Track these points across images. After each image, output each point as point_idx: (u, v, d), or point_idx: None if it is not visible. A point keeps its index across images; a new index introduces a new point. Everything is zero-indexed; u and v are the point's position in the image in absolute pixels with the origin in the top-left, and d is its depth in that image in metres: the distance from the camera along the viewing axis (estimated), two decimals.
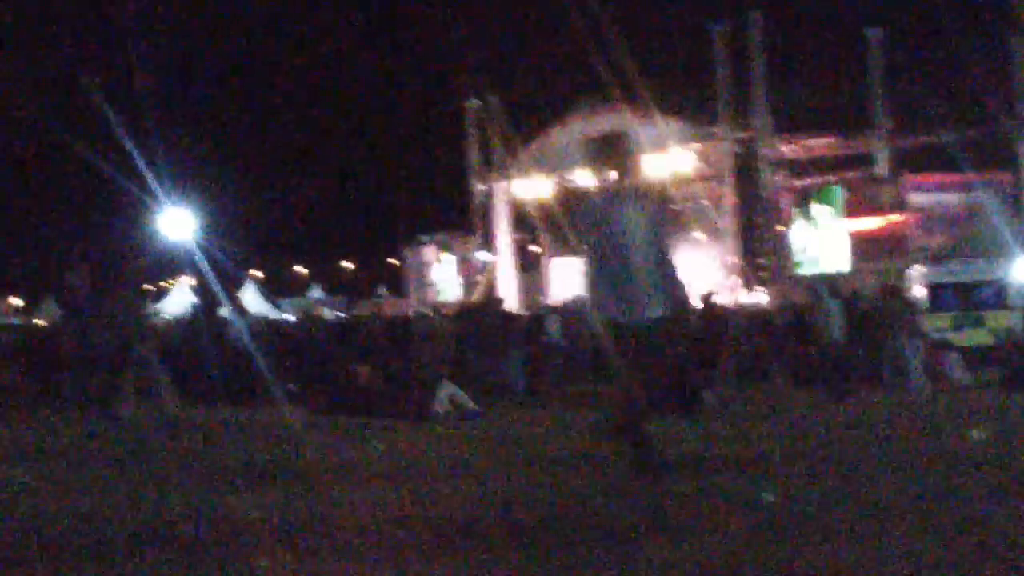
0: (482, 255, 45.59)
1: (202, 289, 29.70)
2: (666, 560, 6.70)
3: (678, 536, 7.42)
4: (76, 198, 63.49)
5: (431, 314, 27.95)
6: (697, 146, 38.32)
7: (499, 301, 28.13)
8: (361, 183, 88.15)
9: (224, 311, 24.26)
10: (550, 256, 44.44)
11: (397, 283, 56.73)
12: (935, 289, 28.41)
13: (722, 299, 30.46)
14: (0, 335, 25.11)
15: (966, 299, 28.45)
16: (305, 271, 72.17)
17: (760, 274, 36.84)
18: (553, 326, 25.43)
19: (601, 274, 8.88)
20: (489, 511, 8.53)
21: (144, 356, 19.52)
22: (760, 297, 35.00)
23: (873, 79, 37.77)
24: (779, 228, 37.62)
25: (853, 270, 35.00)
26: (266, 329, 26.51)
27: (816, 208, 37.83)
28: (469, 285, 46.16)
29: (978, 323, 27.68)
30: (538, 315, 27.09)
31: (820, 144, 39.11)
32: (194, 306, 25.34)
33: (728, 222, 37.44)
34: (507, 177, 44.16)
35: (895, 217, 36.68)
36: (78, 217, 61.34)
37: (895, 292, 23.80)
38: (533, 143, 43.34)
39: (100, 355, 17.86)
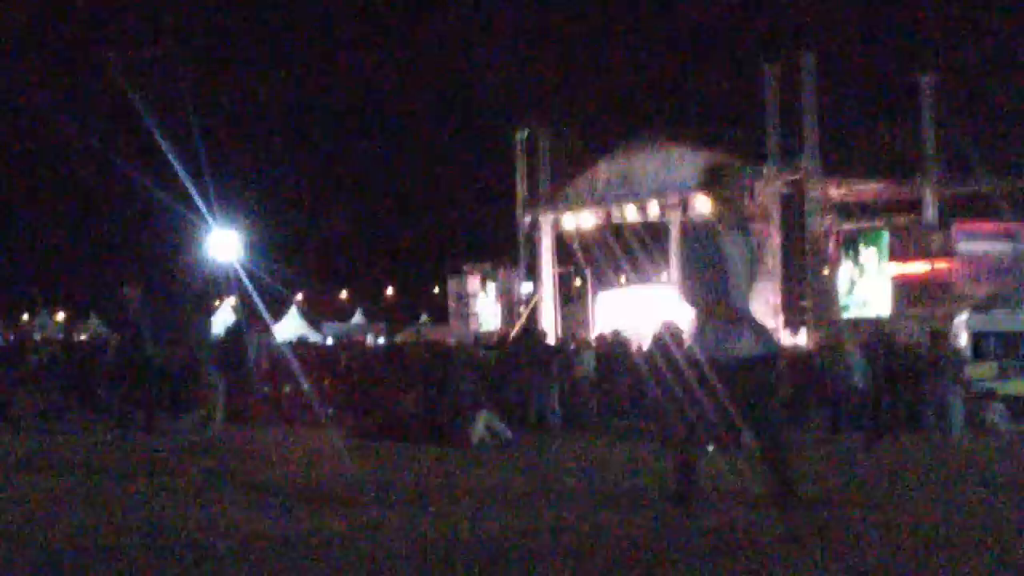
0: (525, 286, 45.59)
1: (245, 310, 29.88)
2: None
3: (706, 566, 7.43)
4: (124, 218, 64.01)
5: (472, 343, 27.97)
6: (744, 184, 38.22)
7: (540, 333, 28.17)
8: (407, 211, 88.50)
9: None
10: (593, 290, 44.39)
11: (439, 311, 56.85)
12: (979, 337, 28.22)
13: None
14: (43, 350, 25.29)
15: (1011, 348, 28.27)
16: (348, 296, 72.44)
17: (803, 316, 36.68)
18: (587, 360, 25.42)
19: (702, 309, 8.69)
20: (521, 540, 8.56)
21: (208, 375, 19.79)
22: (802, 338, 34.87)
23: (924, 125, 37.64)
24: (824, 271, 37.47)
25: (897, 315, 34.81)
26: (306, 352, 26.61)
27: (863, 252, 37.68)
28: (511, 316, 46.14)
29: (1022, 373, 27.48)
30: (573, 348, 27.03)
31: (869, 188, 38.99)
32: (235, 327, 25.45)
33: (773, 262, 37.30)
34: (553, 209, 44.17)
35: (941, 264, 36.52)
36: (126, 236, 61.82)
37: (942, 338, 23.67)
38: (580, 176, 43.37)
39: (151, 369, 18.01)
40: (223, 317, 44.94)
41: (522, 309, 45.08)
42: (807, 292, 37.24)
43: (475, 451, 16.92)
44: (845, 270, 37.84)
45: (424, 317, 59.20)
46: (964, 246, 36.67)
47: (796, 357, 26.68)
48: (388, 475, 13.15)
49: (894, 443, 19.07)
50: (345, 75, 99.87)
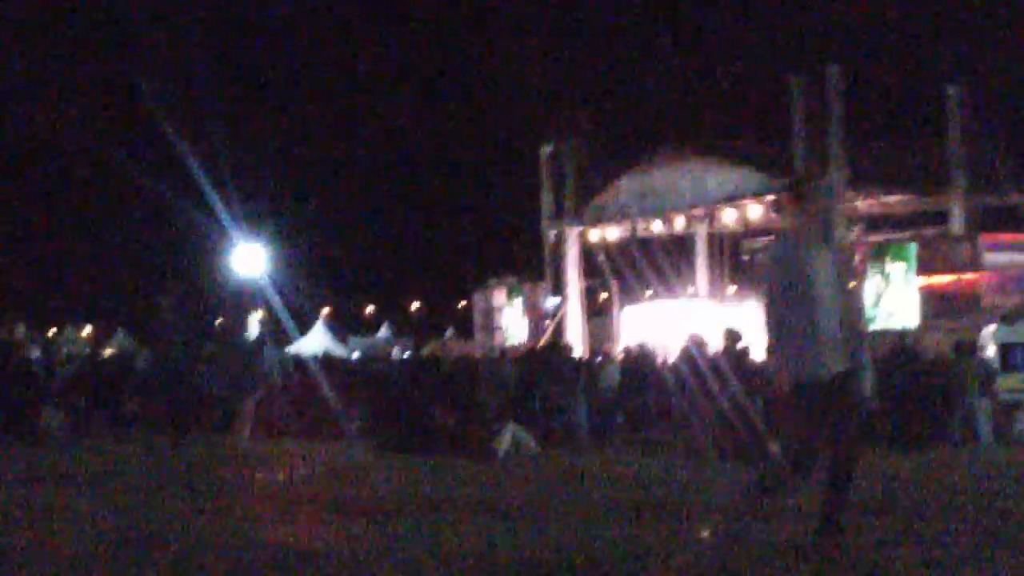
0: (551, 300, 45.54)
1: (269, 325, 29.95)
2: None
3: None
4: (150, 233, 64.27)
5: (498, 356, 27.97)
6: (771, 198, 38.10)
7: (566, 346, 28.15)
8: (433, 225, 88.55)
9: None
10: (619, 303, 44.31)
11: (465, 325, 56.85)
12: (1007, 349, 28.05)
13: None
14: (70, 364, 25.38)
15: None
16: (374, 311, 72.55)
17: None
18: (612, 373, 25.38)
19: (787, 327, 8.18)
20: (548, 553, 8.55)
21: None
22: None
23: (951, 136, 37.47)
24: (851, 283, 37.38)
25: (923, 327, 34.64)
26: (333, 365, 26.65)
27: (889, 264, 37.55)
28: (537, 330, 46.08)
29: None
30: (599, 361, 26.99)
31: (895, 200, 38.84)
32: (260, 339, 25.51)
33: None
34: (579, 223, 44.13)
35: (969, 275, 36.34)
36: (152, 252, 62.04)
37: (968, 350, 23.54)
38: (606, 190, 43.33)
39: (182, 382, 18.08)
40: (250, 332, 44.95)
41: (548, 323, 45.02)
42: None
43: (501, 464, 16.92)
44: (872, 282, 37.68)
45: (450, 331, 59.12)
46: (991, 257, 36.47)
47: None
48: (415, 488, 13.17)
49: (900, 456, 19.00)
50: (370, 90, 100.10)
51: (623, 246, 43.15)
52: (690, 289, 43.62)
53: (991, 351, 27.28)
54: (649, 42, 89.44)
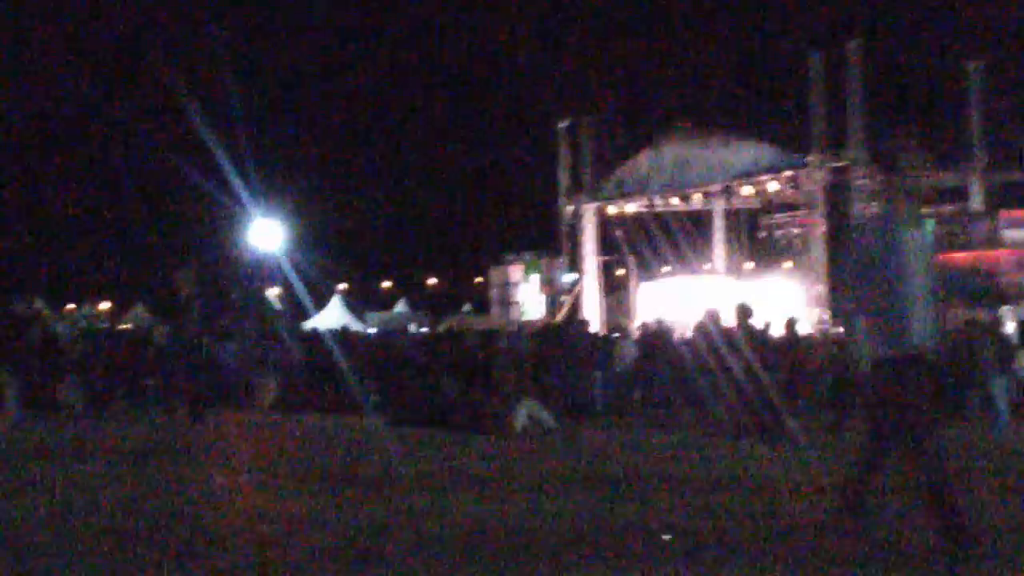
0: (568, 276, 45.51)
1: (288, 300, 30.06)
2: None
3: (743, 552, 7.44)
4: (168, 208, 64.33)
5: (515, 331, 27.96)
6: (789, 174, 38.03)
7: (583, 322, 28.13)
8: (450, 201, 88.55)
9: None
10: (636, 279, 44.28)
11: (482, 301, 56.86)
12: None
13: (808, 328, 30.27)
14: (88, 339, 25.43)
15: None
16: (391, 286, 72.62)
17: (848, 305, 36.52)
18: (628, 348, 25.38)
19: (870, 304, 7.76)
20: (562, 526, 8.56)
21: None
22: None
23: (971, 112, 37.35)
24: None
25: (943, 304, 34.60)
26: (349, 340, 26.67)
27: None
28: (554, 305, 46.09)
29: None
30: (615, 337, 26.99)
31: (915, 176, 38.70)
32: (280, 315, 25.59)
33: (817, 251, 37.12)
34: (596, 198, 44.07)
35: (988, 252, 36.27)
36: (170, 225, 62.12)
37: (981, 327, 23.43)
38: (623, 165, 43.25)
39: (200, 357, 18.12)
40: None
41: (565, 299, 45.00)
42: None
43: (518, 439, 16.93)
44: None
45: (467, 307, 59.16)
46: (1010, 234, 36.38)
47: (840, 345, 26.46)
48: (431, 463, 13.18)
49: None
50: (388, 66, 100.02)
51: (640, 221, 43.10)
52: (707, 265, 43.59)
53: (1011, 328, 27.20)
54: (668, 17, 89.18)
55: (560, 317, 39.96)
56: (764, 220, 45.47)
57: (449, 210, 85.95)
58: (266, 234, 38.14)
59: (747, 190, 40.02)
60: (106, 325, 46.88)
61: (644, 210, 43.12)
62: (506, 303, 50.26)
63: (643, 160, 42.45)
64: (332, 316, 50.14)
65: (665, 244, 42.21)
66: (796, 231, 42.97)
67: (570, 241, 45.47)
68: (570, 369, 22.86)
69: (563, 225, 45.89)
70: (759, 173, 38.76)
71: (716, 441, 16.07)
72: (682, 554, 7.51)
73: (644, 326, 28.35)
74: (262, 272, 35.71)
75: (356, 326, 44.20)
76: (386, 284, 73.63)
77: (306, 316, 38.82)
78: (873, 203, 37.53)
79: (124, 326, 45.05)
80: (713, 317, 19.22)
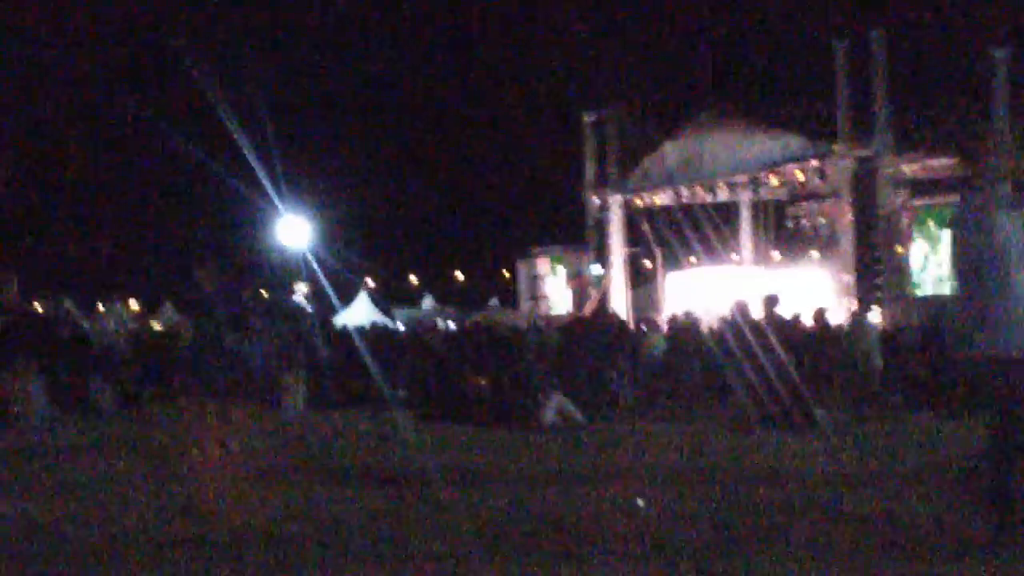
0: (595, 268, 45.47)
1: (317, 296, 30.07)
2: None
3: (778, 543, 7.41)
4: (196, 204, 64.51)
5: (542, 325, 27.95)
6: (815, 163, 37.89)
7: (611, 315, 28.11)
8: (476, 195, 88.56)
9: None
10: (663, 271, 44.23)
11: (509, 295, 56.84)
12: None
13: (836, 318, 30.16)
14: (118, 338, 25.53)
15: None
16: (418, 281, 72.68)
17: (876, 294, 36.32)
18: (657, 341, 25.34)
19: (969, 297, 7.48)
20: (593, 521, 8.55)
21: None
22: (875, 317, 34.56)
23: (998, 99, 37.13)
24: (897, 248, 37.09)
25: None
26: (377, 336, 26.72)
27: (936, 228, 37.30)
28: (581, 298, 46.06)
29: None
30: (643, 330, 26.95)
31: (942, 164, 38.49)
32: (307, 312, 25.58)
33: (845, 240, 36.97)
34: (622, 191, 44.01)
35: None
36: (198, 222, 62.27)
37: None
38: (649, 157, 43.16)
39: (224, 356, 18.10)
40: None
41: (592, 291, 44.96)
42: (880, 270, 36.89)
43: (546, 434, 16.91)
44: (918, 247, 37.45)
45: (494, 300, 59.16)
46: None
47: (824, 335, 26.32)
48: (459, 458, 13.19)
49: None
50: (413, 60, 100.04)
51: (667, 213, 43.04)
52: (735, 255, 43.49)
53: None
54: (693, 7, 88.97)
55: (588, 310, 39.90)
56: (791, 210, 45.33)
57: (475, 204, 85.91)
58: (293, 231, 38.27)
59: (773, 180, 39.91)
60: (136, 324, 47.00)
61: (670, 201, 43.06)
62: (533, 297, 50.26)
63: (669, 152, 42.34)
64: (359, 312, 50.21)
65: (692, 235, 42.14)
66: (823, 220, 42.84)
67: (597, 234, 45.44)
68: (597, 362, 22.82)
69: (589, 218, 45.85)
70: (785, 163, 38.61)
71: (745, 433, 16.03)
72: (710, 547, 7.49)
73: (672, 318, 28.30)
74: (289, 269, 35.80)
75: (384, 322, 44.26)
76: (413, 279, 73.69)
77: (333, 312, 38.89)
78: (899, 191, 37.44)
79: (154, 324, 45.23)
80: (741, 308, 19.16)
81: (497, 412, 18.63)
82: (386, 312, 53.35)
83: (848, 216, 36.68)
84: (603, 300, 42.60)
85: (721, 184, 41.74)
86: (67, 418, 18.74)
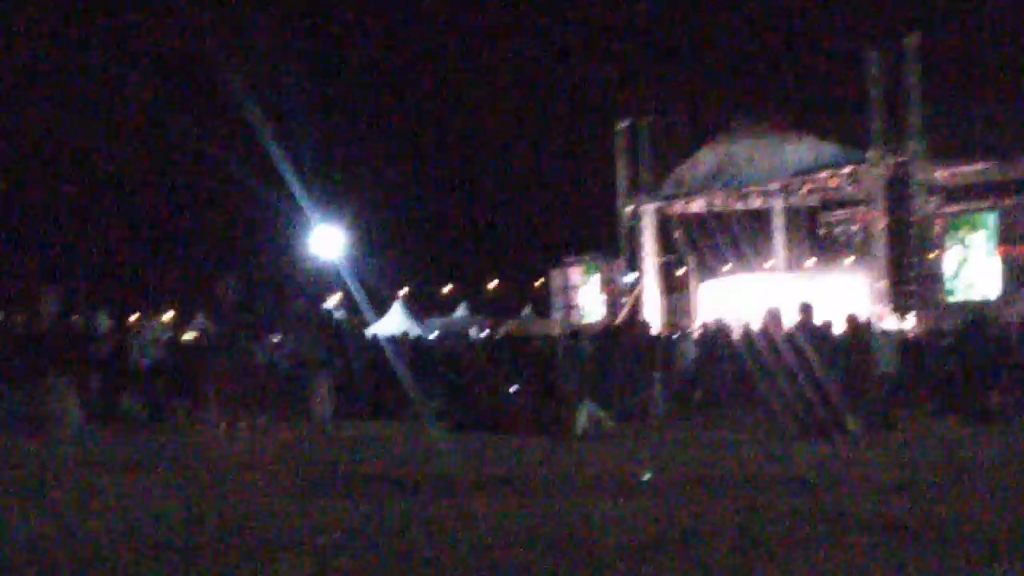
0: (628, 277, 45.47)
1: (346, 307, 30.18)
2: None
3: (812, 550, 7.40)
4: (229, 215, 64.76)
5: (574, 334, 27.94)
6: (848, 170, 37.81)
7: (644, 323, 28.07)
8: (510, 204, 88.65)
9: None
10: (696, 279, 44.17)
11: (542, 304, 56.87)
12: None
13: (870, 325, 30.03)
14: (150, 349, 25.59)
15: None
16: (451, 290, 72.72)
17: (909, 300, 36.19)
18: (688, 349, 25.31)
19: (1012, 302, 6.99)
20: (627, 529, 8.55)
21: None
22: (909, 323, 34.42)
23: None
24: (930, 254, 36.94)
25: (1005, 298, 34.21)
26: (411, 346, 26.76)
27: (969, 234, 37.14)
28: (614, 307, 46.06)
29: None
30: (675, 338, 26.92)
31: (975, 170, 38.30)
32: (340, 322, 25.66)
33: (878, 247, 36.86)
34: (655, 199, 44.01)
35: None
36: (230, 233, 62.55)
37: None
38: (681, 165, 43.15)
39: (249, 367, 18.21)
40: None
41: (625, 300, 44.95)
42: (913, 277, 36.75)
43: (579, 442, 16.92)
44: (952, 253, 37.29)
45: (527, 309, 59.15)
46: None
47: (903, 341, 26.26)
48: (492, 467, 13.21)
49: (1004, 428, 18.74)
50: (447, 71, 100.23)
51: (700, 220, 43.03)
52: (768, 263, 43.41)
53: None
54: (725, 15, 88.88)
55: (621, 318, 39.89)
56: (824, 217, 45.25)
57: (509, 213, 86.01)
58: (328, 241, 38.41)
59: (806, 187, 39.85)
60: (168, 335, 47.15)
61: (703, 209, 43.04)
62: (567, 306, 50.30)
63: (701, 159, 42.32)
64: (393, 322, 50.24)
65: (725, 243, 42.11)
66: (856, 227, 42.75)
67: (629, 242, 45.44)
68: (630, 371, 22.79)
69: (622, 226, 45.85)
70: (818, 170, 38.55)
71: (777, 441, 16.00)
72: (738, 554, 7.48)
73: (704, 326, 28.26)
74: (323, 279, 35.94)
75: (417, 331, 44.31)
76: (447, 288, 73.73)
77: (367, 322, 38.97)
78: (932, 197, 37.26)
79: (188, 335, 45.33)
80: (774, 316, 19.11)
81: (530, 421, 18.63)
82: (420, 321, 53.41)
83: (881, 223, 36.56)
84: (635, 308, 42.59)
85: (754, 191, 41.71)
86: (99, 429, 18.84)
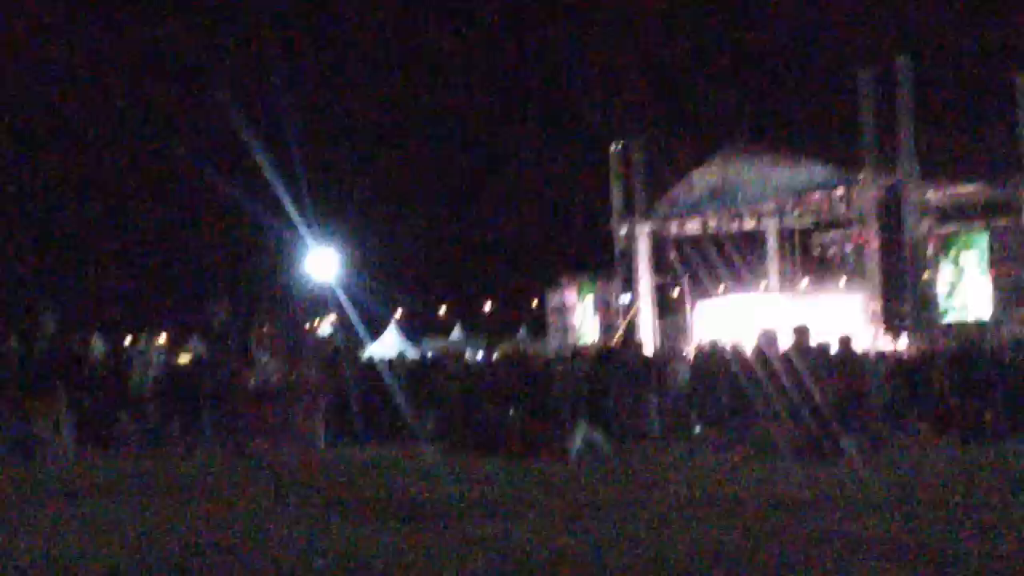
0: (623, 298, 45.51)
1: (341, 329, 30.17)
2: None
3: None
4: (224, 237, 64.76)
5: (569, 356, 27.95)
6: (841, 191, 37.91)
7: (638, 344, 28.09)
8: (504, 225, 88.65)
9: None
10: (691, 300, 44.22)
11: (538, 325, 56.85)
12: None
13: (862, 345, 30.09)
14: (144, 372, 25.54)
15: None
16: (447, 312, 72.69)
17: (902, 321, 36.29)
18: (682, 370, 25.31)
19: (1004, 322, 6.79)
20: (622, 552, 8.57)
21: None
22: (901, 344, 34.49)
23: (1021, 125, 37.06)
24: (923, 275, 37.04)
25: (997, 319, 34.29)
26: (406, 368, 26.73)
27: (962, 255, 37.23)
28: (609, 328, 46.09)
29: None
30: (668, 360, 26.91)
31: (967, 190, 38.44)
32: (336, 345, 25.66)
33: (871, 268, 36.95)
34: (649, 220, 44.09)
35: None
36: (224, 254, 62.52)
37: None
38: (675, 186, 43.25)
39: (237, 389, 18.18)
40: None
41: (619, 321, 44.98)
42: (906, 297, 36.84)
43: (574, 464, 16.91)
44: (945, 274, 37.38)
45: (523, 331, 59.16)
46: None
47: (896, 362, 26.30)
48: (487, 490, 13.20)
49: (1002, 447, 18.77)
50: (441, 92, 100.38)
51: (694, 241, 43.12)
52: (762, 284, 43.48)
53: None
54: (717, 38, 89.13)
55: (616, 340, 39.91)
56: (817, 238, 45.35)
57: (504, 234, 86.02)
58: (322, 263, 38.38)
59: (800, 208, 39.95)
60: (163, 357, 47.07)
61: (697, 230, 43.13)
62: (562, 327, 50.30)
63: (696, 181, 42.43)
64: (388, 344, 50.26)
65: (719, 264, 42.19)
66: (849, 248, 42.86)
67: (624, 263, 45.49)
68: (625, 393, 22.80)
69: (617, 247, 45.92)
70: (812, 191, 38.66)
71: (772, 462, 16.00)
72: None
73: (698, 348, 28.29)
74: (317, 301, 35.92)
75: (412, 353, 44.32)
76: (442, 310, 73.70)
77: (362, 344, 38.95)
78: (925, 218, 37.32)
79: (182, 358, 45.25)
80: (768, 338, 19.14)
81: (524, 443, 18.62)
82: (415, 343, 53.40)
83: (874, 243, 36.68)
84: (630, 329, 42.62)
85: (748, 212, 41.82)
86: (93, 453, 18.82)
